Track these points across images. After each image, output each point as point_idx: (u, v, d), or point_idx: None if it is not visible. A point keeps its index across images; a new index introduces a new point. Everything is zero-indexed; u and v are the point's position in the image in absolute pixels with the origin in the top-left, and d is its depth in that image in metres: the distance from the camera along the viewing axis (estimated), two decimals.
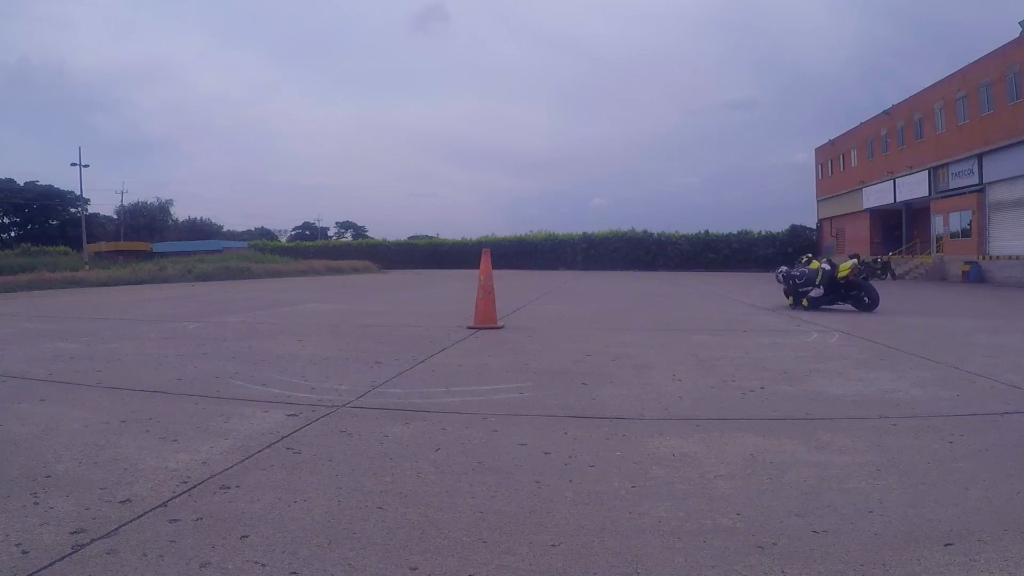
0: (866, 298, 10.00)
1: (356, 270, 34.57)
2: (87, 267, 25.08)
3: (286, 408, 3.51)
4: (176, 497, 2.22)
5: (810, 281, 10.30)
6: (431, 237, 58.00)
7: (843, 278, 10.11)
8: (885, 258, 28.15)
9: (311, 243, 61.78)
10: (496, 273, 8.36)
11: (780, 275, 11.38)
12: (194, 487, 2.32)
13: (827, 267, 10.33)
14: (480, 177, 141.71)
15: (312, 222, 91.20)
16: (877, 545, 1.86)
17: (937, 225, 28.24)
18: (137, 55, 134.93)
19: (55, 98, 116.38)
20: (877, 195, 33.49)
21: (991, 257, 23.94)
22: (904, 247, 31.26)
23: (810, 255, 11.92)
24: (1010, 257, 22.76)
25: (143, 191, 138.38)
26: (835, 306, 10.26)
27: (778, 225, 45.52)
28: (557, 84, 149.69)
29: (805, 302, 10.36)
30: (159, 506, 2.13)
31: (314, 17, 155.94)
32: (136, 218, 71.93)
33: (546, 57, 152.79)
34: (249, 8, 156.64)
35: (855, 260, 10.50)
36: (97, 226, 63.93)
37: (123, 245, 50.85)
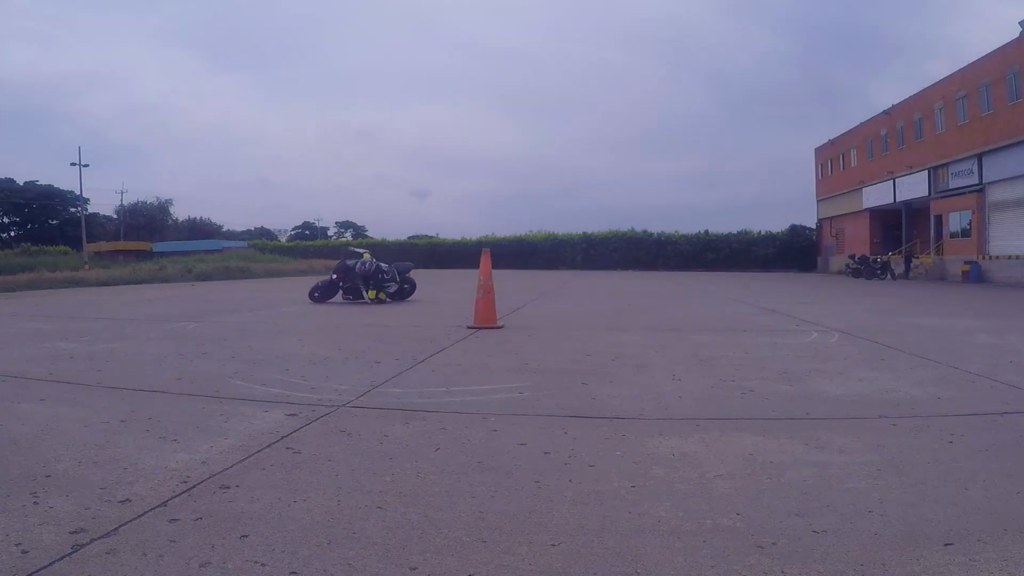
0: (406, 286, 12.18)
1: None
2: (87, 267, 25.07)
3: (286, 408, 3.51)
4: (176, 497, 2.22)
5: (394, 278, 11.85)
6: (431, 237, 57.96)
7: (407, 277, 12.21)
8: (886, 258, 28.19)
9: (311, 243, 61.72)
10: (496, 273, 8.35)
11: (360, 266, 11.65)
12: (194, 487, 2.32)
13: (385, 265, 12.05)
14: (480, 177, 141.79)
15: (312, 222, 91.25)
16: (877, 545, 1.86)
17: (937, 225, 28.26)
18: (137, 56, 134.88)
19: (56, 98, 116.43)
20: (877, 195, 33.49)
21: (991, 257, 23.94)
22: (904, 247, 31.28)
23: (366, 250, 12.68)
24: (1010, 257, 22.77)
25: (143, 191, 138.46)
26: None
27: (778, 225, 45.60)
28: (557, 86, 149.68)
29: (382, 295, 11.56)
30: (159, 506, 2.13)
31: (315, 21, 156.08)
32: (136, 218, 71.92)
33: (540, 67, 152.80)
34: (245, 18, 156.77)
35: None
36: (97, 226, 63.94)
37: (123, 245, 50.88)
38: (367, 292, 11.59)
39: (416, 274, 13.21)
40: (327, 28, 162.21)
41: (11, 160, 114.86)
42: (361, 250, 12.28)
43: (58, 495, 2.22)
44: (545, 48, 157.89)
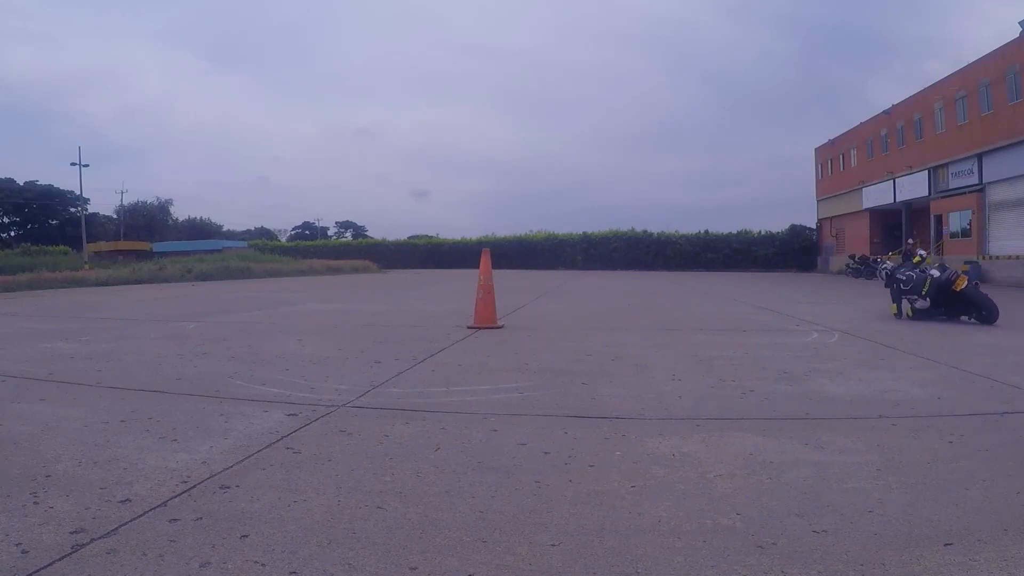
0: (983, 311, 8.02)
1: (356, 270, 34.53)
2: (87, 267, 25.05)
3: (286, 408, 3.51)
4: (176, 497, 2.22)
5: (916, 289, 8.46)
6: (431, 237, 57.84)
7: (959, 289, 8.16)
8: (885, 258, 28.17)
9: (311, 243, 61.66)
10: (496, 273, 8.35)
11: (883, 273, 9.48)
12: (194, 487, 2.32)
13: (933, 273, 8.49)
14: (480, 177, 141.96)
15: (312, 222, 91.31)
16: (877, 545, 1.86)
17: (937, 225, 28.27)
18: (137, 56, 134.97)
19: (56, 98, 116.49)
20: (877, 195, 33.49)
21: (991, 257, 23.94)
22: (904, 247, 31.27)
23: (922, 253, 9.78)
24: (1010, 257, 22.76)
25: (143, 191, 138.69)
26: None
27: (778, 225, 45.60)
28: (558, 86, 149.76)
29: (910, 311, 8.55)
30: (159, 506, 2.13)
31: (315, 21, 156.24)
32: (136, 218, 71.96)
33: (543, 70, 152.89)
34: (246, 18, 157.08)
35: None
36: (97, 226, 63.95)
37: (123, 245, 50.80)
38: (893, 307, 8.57)
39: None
40: (327, 28, 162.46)
41: (11, 160, 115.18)
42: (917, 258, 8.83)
43: (58, 495, 2.22)
44: (545, 48, 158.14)
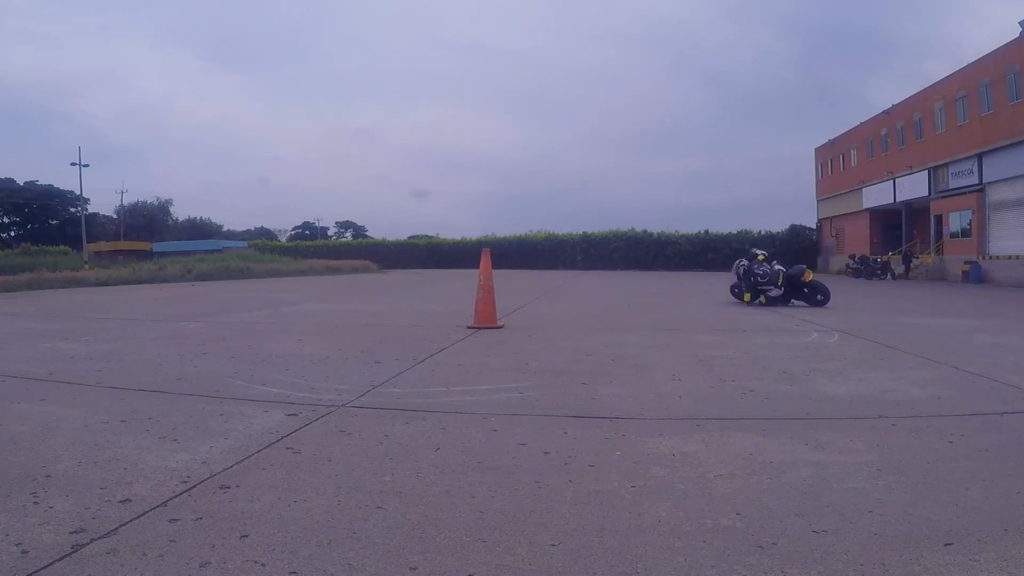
0: (819, 296, 10.77)
1: (356, 270, 34.53)
2: (87, 267, 25.04)
3: (286, 408, 3.51)
4: (176, 497, 2.22)
5: (772, 281, 10.92)
6: (431, 237, 57.88)
7: (806, 281, 11.01)
8: (885, 258, 28.20)
9: (311, 243, 61.71)
10: (496, 273, 8.35)
11: (740, 269, 11.54)
12: (194, 487, 2.32)
13: (781, 268, 11.17)
14: (480, 177, 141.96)
15: (312, 222, 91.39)
16: (877, 545, 1.86)
17: (937, 225, 28.26)
18: (137, 56, 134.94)
19: (56, 98, 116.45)
20: (877, 195, 33.50)
21: (991, 257, 23.94)
22: (904, 247, 31.30)
23: (765, 252, 12.01)
24: (1010, 257, 22.77)
25: (143, 191, 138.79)
26: (787, 304, 10.93)
27: (778, 225, 45.62)
28: (558, 86, 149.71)
29: (763, 299, 11.01)
30: (159, 506, 2.13)
31: (315, 22, 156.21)
32: (136, 218, 72.01)
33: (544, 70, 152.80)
34: (246, 18, 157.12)
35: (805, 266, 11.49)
36: (97, 226, 63.99)
37: (123, 245, 50.81)
38: (745, 296, 11.09)
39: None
40: (327, 28, 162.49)
41: (11, 160, 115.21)
42: (762, 256, 11.58)
43: (58, 495, 2.22)
44: (545, 48, 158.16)
